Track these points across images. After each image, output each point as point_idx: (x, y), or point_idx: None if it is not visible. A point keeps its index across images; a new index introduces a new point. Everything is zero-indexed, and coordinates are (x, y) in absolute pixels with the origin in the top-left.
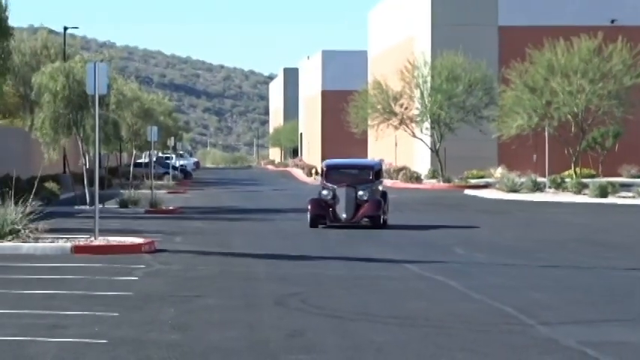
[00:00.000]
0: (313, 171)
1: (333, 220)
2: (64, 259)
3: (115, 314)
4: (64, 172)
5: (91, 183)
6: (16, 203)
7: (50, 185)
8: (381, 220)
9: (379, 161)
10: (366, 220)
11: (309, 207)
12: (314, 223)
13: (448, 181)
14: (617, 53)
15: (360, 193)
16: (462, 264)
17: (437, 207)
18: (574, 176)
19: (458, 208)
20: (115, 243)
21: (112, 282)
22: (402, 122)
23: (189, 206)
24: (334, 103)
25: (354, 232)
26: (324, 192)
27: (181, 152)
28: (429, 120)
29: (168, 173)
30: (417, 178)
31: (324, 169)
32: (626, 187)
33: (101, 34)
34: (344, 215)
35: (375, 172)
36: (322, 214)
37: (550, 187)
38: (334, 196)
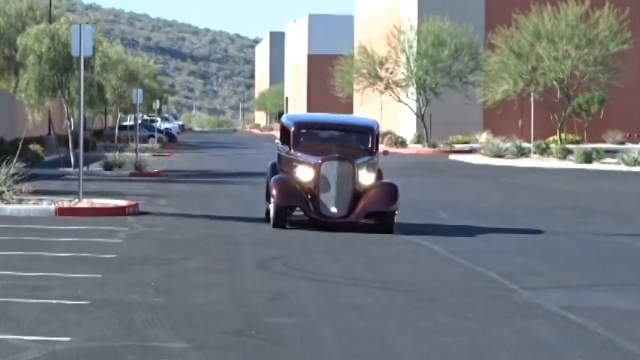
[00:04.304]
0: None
1: (315, 215)
2: (47, 220)
3: (98, 276)
4: (49, 134)
5: (76, 145)
6: None
7: (34, 147)
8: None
9: (375, 120)
10: (369, 218)
11: (275, 193)
12: (280, 220)
13: (433, 146)
14: (603, 19)
15: (363, 172)
16: (446, 228)
17: (421, 172)
18: (559, 142)
19: (442, 173)
20: (99, 205)
21: (95, 244)
22: (387, 87)
23: (174, 169)
24: (320, 67)
25: None
26: (301, 169)
27: (166, 115)
28: (415, 85)
29: (153, 136)
30: (402, 143)
31: (292, 129)
32: (610, 153)
33: None
34: (334, 209)
35: (376, 136)
36: (296, 204)
37: (535, 153)
38: (318, 177)
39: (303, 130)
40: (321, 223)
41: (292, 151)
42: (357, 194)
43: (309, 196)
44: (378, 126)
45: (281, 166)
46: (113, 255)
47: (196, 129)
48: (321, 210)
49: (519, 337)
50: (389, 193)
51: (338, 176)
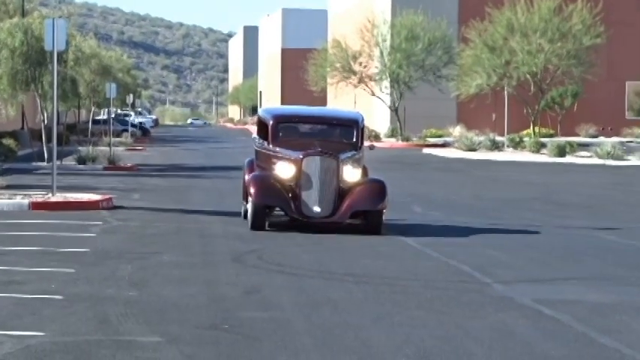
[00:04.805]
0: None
1: (296, 215)
2: (21, 215)
3: (71, 271)
4: (22, 128)
5: (49, 139)
6: None
7: (8, 142)
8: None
9: (360, 113)
10: (354, 218)
11: (252, 191)
12: (259, 221)
13: (407, 139)
14: (577, 13)
15: (348, 167)
16: (420, 222)
17: (395, 165)
18: (532, 135)
19: (416, 166)
20: (72, 199)
21: (69, 238)
22: (361, 81)
23: (148, 163)
24: (294, 61)
25: None
26: (280, 165)
27: (140, 109)
28: (388, 79)
29: (126, 130)
30: (376, 137)
31: (271, 123)
32: (583, 146)
33: None
34: (317, 208)
35: (361, 129)
36: (276, 204)
37: (508, 146)
38: (299, 174)
39: (283, 124)
40: (303, 223)
41: (271, 146)
42: (342, 192)
43: (290, 195)
44: (362, 119)
45: (259, 163)
46: (87, 249)
47: (167, 123)
48: (303, 209)
49: (493, 331)
50: (376, 190)
51: (321, 173)
